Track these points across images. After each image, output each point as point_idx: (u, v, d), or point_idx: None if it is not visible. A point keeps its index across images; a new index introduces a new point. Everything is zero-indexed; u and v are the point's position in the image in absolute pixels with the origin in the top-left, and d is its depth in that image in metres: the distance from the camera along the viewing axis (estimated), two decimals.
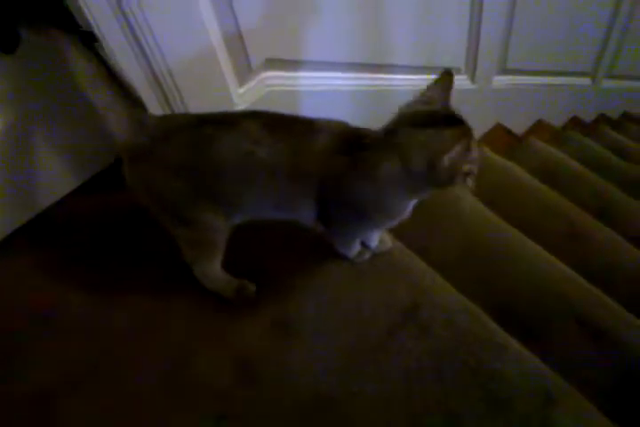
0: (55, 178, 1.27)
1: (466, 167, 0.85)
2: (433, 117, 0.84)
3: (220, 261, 1.13)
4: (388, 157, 0.86)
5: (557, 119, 2.89)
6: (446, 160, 0.80)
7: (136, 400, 1.01)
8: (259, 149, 0.92)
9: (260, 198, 1.00)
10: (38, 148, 1.19)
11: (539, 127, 2.74)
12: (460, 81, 2.05)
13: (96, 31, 0.96)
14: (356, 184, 0.92)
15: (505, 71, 2.24)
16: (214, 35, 1.13)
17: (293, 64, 1.34)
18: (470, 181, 0.88)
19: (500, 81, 2.27)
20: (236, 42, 1.17)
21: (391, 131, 0.88)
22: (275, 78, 1.32)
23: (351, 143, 0.91)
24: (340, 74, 1.46)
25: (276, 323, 1.14)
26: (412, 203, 1.01)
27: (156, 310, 1.14)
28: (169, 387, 1.04)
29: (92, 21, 0.95)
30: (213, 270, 1.13)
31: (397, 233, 1.31)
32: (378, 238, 1.23)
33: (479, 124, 2.28)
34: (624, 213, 2.05)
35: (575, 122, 3.10)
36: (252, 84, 1.27)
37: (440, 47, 1.67)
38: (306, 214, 1.02)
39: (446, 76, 0.87)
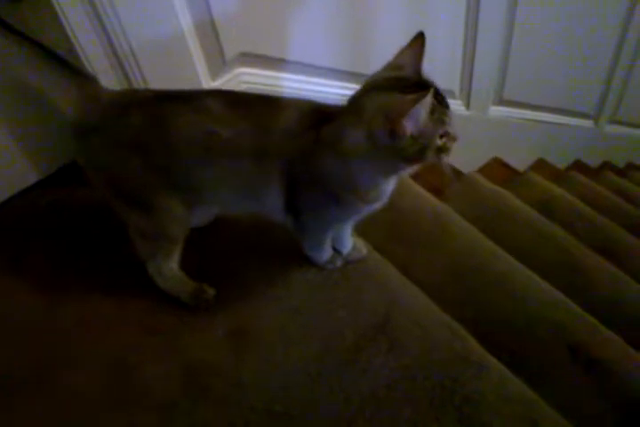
0: (15, 170, 1.23)
1: (438, 141, 0.80)
2: (401, 82, 0.81)
3: (178, 259, 1.08)
4: (350, 124, 0.83)
5: (559, 160, 2.87)
6: (406, 125, 0.76)
7: (73, 405, 0.96)
8: (220, 129, 0.88)
9: (221, 183, 0.96)
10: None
11: (539, 166, 2.72)
12: (454, 106, 2.04)
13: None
14: (322, 159, 0.88)
15: (502, 102, 2.25)
16: (184, 19, 1.12)
17: (273, 63, 1.33)
18: (444, 158, 0.84)
19: (497, 112, 2.27)
20: (209, 30, 1.17)
21: (355, 98, 0.84)
22: (252, 75, 1.31)
23: (318, 118, 0.87)
24: (324, 80, 1.45)
25: (233, 331, 1.08)
26: (388, 186, 0.96)
27: (106, 311, 1.10)
28: (109, 394, 0.98)
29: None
30: (169, 269, 1.08)
31: (376, 247, 1.27)
32: (351, 243, 1.17)
33: (474, 155, 2.27)
34: (627, 252, 1.98)
35: (578, 165, 3.08)
36: (226, 77, 1.26)
37: (431, 65, 1.66)
38: (272, 203, 0.97)
39: (418, 40, 0.84)
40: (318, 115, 0.89)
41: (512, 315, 1.30)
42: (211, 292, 1.11)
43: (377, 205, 0.98)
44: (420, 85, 0.79)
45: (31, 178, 1.26)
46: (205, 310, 1.10)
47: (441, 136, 0.81)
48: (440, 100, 0.81)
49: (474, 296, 1.34)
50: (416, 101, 0.73)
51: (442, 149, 0.83)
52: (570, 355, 1.24)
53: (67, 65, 0.89)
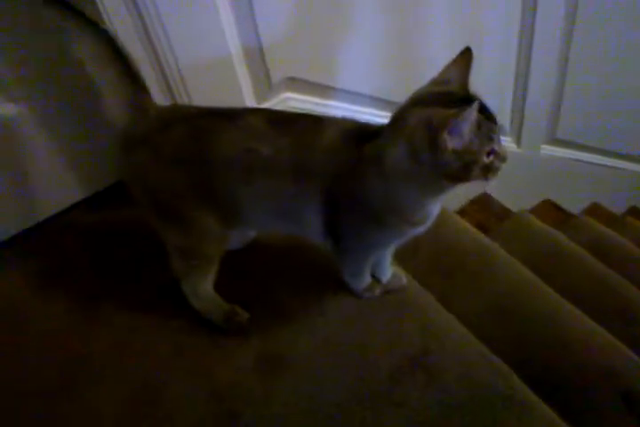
0: (62, 186, 1.28)
1: (485, 159, 0.79)
2: (446, 97, 0.80)
3: (213, 279, 1.08)
4: (392, 141, 0.82)
5: (615, 205, 2.78)
6: (447, 138, 0.75)
7: (96, 421, 0.98)
8: (261, 146, 0.89)
9: (260, 202, 0.96)
10: (44, 154, 1.22)
11: (593, 210, 2.64)
12: (504, 142, 2.02)
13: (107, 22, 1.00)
14: (364, 177, 0.87)
15: (555, 141, 2.22)
16: (233, 41, 1.16)
17: (319, 89, 1.36)
18: (492, 178, 0.82)
19: (550, 151, 2.24)
20: (256, 53, 1.21)
21: (397, 113, 0.84)
22: (297, 101, 1.33)
23: (361, 136, 0.87)
24: (370, 109, 1.47)
25: (264, 357, 1.07)
26: (433, 207, 0.93)
27: (138, 331, 1.12)
28: (133, 413, 0.99)
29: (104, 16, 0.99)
30: (204, 289, 1.09)
31: (415, 279, 1.24)
32: (390, 271, 1.15)
33: (525, 195, 2.22)
34: None
35: (635, 211, 2.97)
36: (272, 101, 1.29)
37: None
38: (312, 224, 0.97)
39: (466, 54, 0.84)
40: (361, 133, 0.89)
41: (559, 357, 1.24)
42: (244, 315, 1.11)
43: (421, 229, 0.96)
44: (466, 100, 0.78)
45: (77, 195, 1.31)
46: (237, 333, 1.09)
47: (488, 154, 0.80)
48: (488, 116, 0.79)
49: (518, 336, 1.28)
50: (459, 115, 0.72)
51: (489, 168, 0.81)
52: (624, 404, 1.16)
53: (131, 69, 0.93)
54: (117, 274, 1.21)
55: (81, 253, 1.25)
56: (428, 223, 0.95)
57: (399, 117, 0.82)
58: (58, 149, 1.22)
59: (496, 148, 0.80)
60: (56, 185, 1.27)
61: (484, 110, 0.78)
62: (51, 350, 1.08)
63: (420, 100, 0.81)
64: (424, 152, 0.78)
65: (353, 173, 0.88)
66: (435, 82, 0.84)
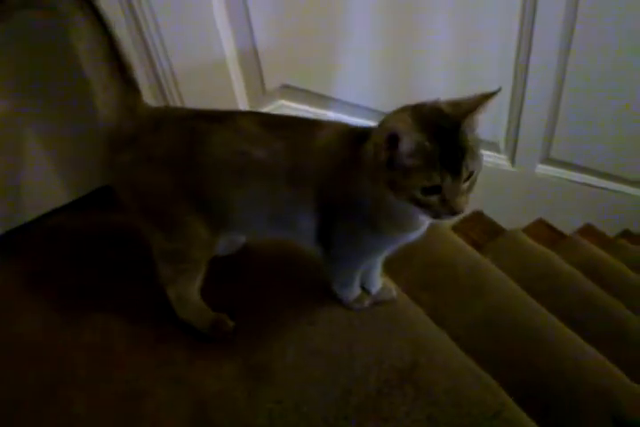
0: (48, 189, 1.26)
1: (418, 193, 0.77)
2: (439, 117, 0.77)
3: (199, 286, 1.07)
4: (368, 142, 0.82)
5: (608, 228, 2.80)
6: (382, 143, 0.75)
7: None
8: (254, 149, 0.89)
9: (252, 206, 0.96)
10: (33, 155, 1.20)
11: (586, 231, 2.65)
12: (499, 160, 2.04)
13: None
14: (357, 181, 0.86)
15: (549, 160, 2.23)
16: (228, 45, 1.16)
17: (315, 98, 1.36)
18: (433, 218, 0.82)
19: (544, 171, 2.25)
20: (252, 59, 1.21)
21: (385, 117, 0.83)
22: (292, 109, 1.33)
23: (354, 139, 0.86)
24: (367, 121, 1.46)
25: (250, 367, 1.06)
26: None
27: (120, 336, 1.10)
28: (114, 422, 0.97)
29: None
30: (190, 295, 1.07)
31: (406, 290, 1.23)
32: (380, 282, 1.14)
33: (518, 214, 2.23)
34: None
35: (628, 235, 2.99)
36: (266, 108, 1.28)
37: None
38: (304, 229, 0.96)
39: (487, 95, 0.77)
40: (356, 135, 0.88)
41: (550, 375, 1.23)
42: (230, 324, 1.09)
43: (413, 236, 0.95)
44: (449, 130, 0.75)
45: (63, 198, 1.29)
46: (222, 341, 1.08)
47: (427, 192, 0.77)
48: (451, 164, 0.75)
49: (509, 353, 1.28)
50: (403, 125, 0.73)
51: (427, 208, 0.79)
52: (614, 425, 1.15)
53: (126, 69, 0.92)
54: (101, 278, 1.19)
55: (65, 256, 1.23)
56: (421, 231, 0.95)
57: (383, 119, 0.82)
58: (45, 150, 1.20)
59: (447, 196, 0.77)
60: (42, 187, 1.25)
61: (450, 158, 0.75)
62: (31, 355, 1.06)
63: (414, 108, 0.80)
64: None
65: (347, 175, 0.87)
66: (446, 101, 0.81)
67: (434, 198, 0.78)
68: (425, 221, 0.92)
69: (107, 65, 0.91)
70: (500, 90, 0.77)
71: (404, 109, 0.80)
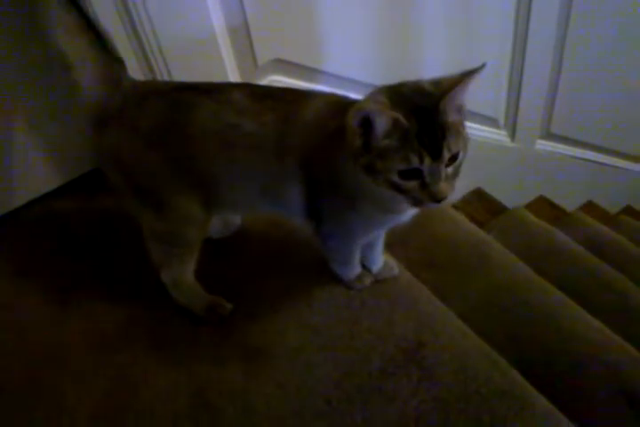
0: (35, 174, 1.23)
1: (396, 177, 0.73)
2: (420, 95, 0.73)
3: (193, 268, 1.03)
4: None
5: (610, 204, 2.76)
6: (354, 122, 0.71)
7: (72, 417, 0.93)
8: (243, 121, 0.85)
9: (242, 181, 0.92)
10: (21, 139, 1.16)
11: (588, 208, 2.61)
12: (499, 136, 1.99)
13: None
14: (338, 156, 0.81)
15: (549, 136, 2.19)
16: (217, 19, 1.12)
17: (308, 73, 1.32)
18: (411, 207, 0.79)
19: (544, 146, 2.21)
20: (242, 32, 1.16)
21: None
22: (285, 85, 1.29)
23: (342, 111, 0.79)
24: (361, 96, 1.42)
25: (248, 350, 1.04)
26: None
27: (116, 322, 1.07)
28: (111, 409, 0.94)
29: None
30: (184, 278, 1.04)
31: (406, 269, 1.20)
32: (382, 260, 1.10)
33: (519, 191, 2.19)
34: None
35: (630, 212, 2.95)
36: (258, 83, 1.23)
37: (475, 90, 1.64)
38: (294, 204, 0.93)
39: (469, 72, 0.72)
40: (345, 107, 0.81)
41: (558, 352, 1.20)
42: (227, 306, 1.06)
43: (404, 218, 0.91)
44: (428, 109, 0.71)
45: (52, 183, 1.26)
46: (219, 325, 1.04)
47: (408, 177, 0.73)
48: (429, 143, 0.71)
49: (515, 330, 1.25)
50: (375, 105, 0.69)
51: (406, 192, 0.75)
52: (625, 400, 1.12)
53: (103, 39, 0.88)
54: (93, 263, 1.16)
55: (56, 240, 1.21)
56: (409, 213, 0.90)
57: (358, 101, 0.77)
58: (32, 134, 1.17)
59: (427, 180, 0.73)
60: (31, 172, 1.22)
61: (430, 138, 0.71)
62: (23, 342, 1.03)
63: (391, 88, 0.75)
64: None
65: (330, 149, 0.83)
66: (432, 80, 0.75)
67: (413, 183, 0.74)
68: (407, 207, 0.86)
69: (82, 35, 0.86)
70: (483, 67, 0.72)
71: (380, 90, 0.75)
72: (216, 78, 1.15)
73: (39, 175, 1.23)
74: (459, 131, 0.73)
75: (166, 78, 1.11)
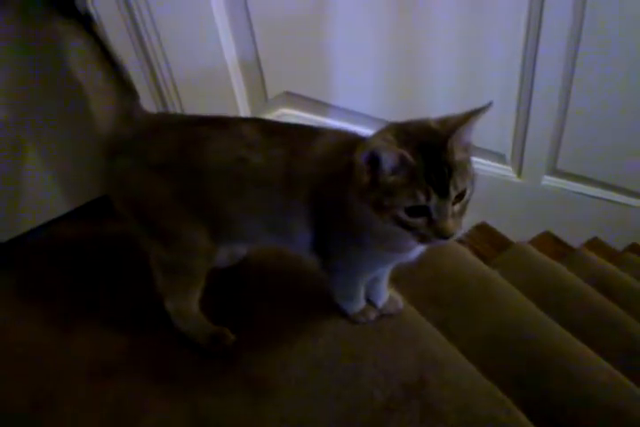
0: (43, 200, 1.25)
1: (404, 214, 0.74)
2: (425, 133, 0.74)
3: (198, 298, 1.03)
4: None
5: (616, 241, 2.75)
6: (362, 159, 0.72)
7: None
8: (252, 155, 0.86)
9: (249, 215, 0.92)
10: (32, 164, 1.18)
11: (593, 245, 2.60)
12: (505, 171, 2.01)
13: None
14: (346, 193, 0.81)
15: (556, 172, 2.21)
16: (229, 53, 1.15)
17: (317, 106, 1.34)
18: (420, 243, 0.78)
19: (550, 182, 2.22)
20: (254, 66, 1.19)
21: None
22: (295, 117, 1.31)
23: (351, 149, 0.80)
24: (370, 130, 1.44)
25: (251, 381, 1.03)
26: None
27: (118, 350, 1.07)
28: None
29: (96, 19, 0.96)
30: (188, 307, 1.04)
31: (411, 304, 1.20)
32: (386, 295, 1.10)
33: (524, 226, 2.19)
34: None
35: (635, 249, 2.94)
36: (268, 117, 1.26)
37: (483, 126, 1.66)
38: (301, 239, 0.93)
39: (476, 110, 0.74)
40: (353, 143, 0.82)
41: (564, 392, 1.18)
42: (231, 337, 1.06)
43: (410, 256, 0.91)
44: (435, 147, 0.72)
45: (60, 209, 1.27)
46: (222, 356, 1.04)
47: (415, 214, 0.73)
48: (436, 181, 0.71)
49: (519, 369, 1.23)
50: (382, 142, 0.71)
51: (413, 230, 0.75)
52: None
53: (119, 71, 0.90)
54: (99, 289, 1.16)
55: (63, 265, 1.21)
56: (416, 252, 0.90)
57: (366, 139, 0.79)
58: (43, 160, 1.19)
59: (434, 217, 0.74)
60: (41, 197, 1.23)
61: (437, 176, 0.72)
62: (24, 367, 1.03)
63: (399, 125, 0.76)
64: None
65: (338, 186, 0.83)
66: (438, 119, 0.76)
67: (420, 220, 0.74)
68: (413, 243, 0.85)
69: (98, 65, 0.89)
70: (490, 105, 0.73)
71: (388, 128, 0.77)
72: (227, 111, 1.18)
73: (47, 201, 1.24)
74: (465, 169, 0.74)
75: (178, 110, 1.13)
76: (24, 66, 1.05)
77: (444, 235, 0.74)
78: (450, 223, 0.74)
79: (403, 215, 0.74)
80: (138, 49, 1.06)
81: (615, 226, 2.76)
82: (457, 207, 0.75)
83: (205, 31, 1.11)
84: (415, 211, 0.73)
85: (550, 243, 2.33)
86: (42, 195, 1.23)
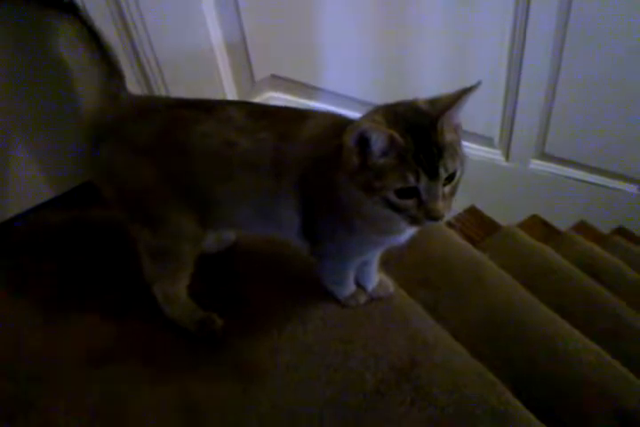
0: (27, 186, 1.22)
1: (393, 195, 0.73)
2: (412, 112, 0.74)
3: (187, 283, 1.03)
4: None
5: (603, 224, 2.77)
6: (351, 140, 0.72)
7: None
8: (240, 139, 0.85)
9: (237, 199, 0.91)
10: (16, 150, 1.16)
11: (580, 228, 2.62)
12: (493, 155, 2.01)
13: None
14: (334, 176, 0.81)
15: (544, 156, 2.21)
16: (215, 34, 1.13)
17: (304, 89, 1.33)
18: (411, 225, 0.78)
19: (538, 166, 2.23)
20: (240, 48, 1.17)
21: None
22: (281, 101, 1.30)
23: (340, 131, 0.79)
24: (357, 113, 1.43)
25: (240, 367, 1.03)
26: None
27: (106, 337, 1.06)
28: (99, 423, 0.93)
29: None
30: (177, 293, 1.04)
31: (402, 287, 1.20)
32: (376, 278, 1.10)
33: (512, 210, 2.20)
34: None
35: (622, 233, 2.96)
36: (255, 100, 1.24)
37: (471, 109, 1.65)
38: (290, 224, 0.92)
39: (465, 90, 0.73)
40: (342, 127, 0.80)
41: (552, 373, 1.19)
42: (219, 322, 1.05)
43: (400, 239, 0.91)
44: (425, 128, 0.72)
45: (46, 194, 1.25)
46: (211, 342, 1.03)
47: (405, 196, 0.73)
48: (425, 162, 0.71)
49: (508, 350, 1.24)
50: (372, 123, 0.70)
51: (400, 210, 0.75)
52: (619, 423, 1.11)
53: (105, 51, 0.88)
54: (85, 276, 1.15)
55: (49, 252, 1.20)
56: (406, 234, 0.90)
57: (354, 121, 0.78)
58: (27, 145, 1.16)
59: (424, 199, 0.73)
60: (25, 183, 1.21)
61: (427, 158, 0.71)
62: (11, 356, 1.02)
63: (387, 107, 0.76)
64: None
65: (326, 169, 0.83)
66: (427, 99, 0.76)
67: (410, 202, 0.74)
68: (405, 228, 0.86)
69: (84, 46, 0.87)
70: (479, 84, 0.73)
71: (377, 109, 0.76)
72: (213, 93, 1.17)
73: (32, 187, 1.22)
74: (455, 150, 0.74)
75: (163, 93, 1.11)
76: (6, 51, 1.02)
77: (434, 216, 0.74)
78: (440, 205, 0.73)
79: (392, 197, 0.73)
80: (122, 31, 1.04)
81: (602, 209, 2.78)
82: (447, 189, 0.75)
83: (191, 13, 1.09)
84: (405, 192, 0.73)
85: (538, 226, 2.34)
86: (26, 181, 1.21)
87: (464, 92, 0.72)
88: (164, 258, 0.98)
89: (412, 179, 0.71)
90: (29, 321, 1.07)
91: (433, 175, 0.71)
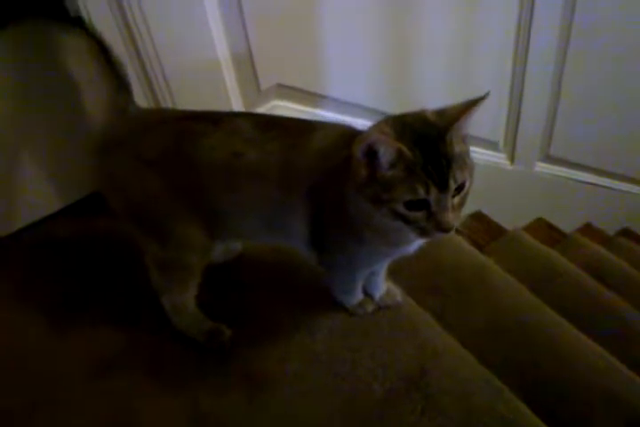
0: (35, 198, 1.24)
1: (402, 208, 0.73)
2: (419, 123, 0.74)
3: (194, 294, 1.03)
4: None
5: (608, 226, 2.77)
6: (359, 151, 0.71)
7: None
8: (248, 150, 0.85)
9: (245, 210, 0.92)
10: (24, 161, 1.17)
11: (586, 230, 2.61)
12: (498, 159, 2.01)
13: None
14: (343, 188, 0.81)
15: (548, 159, 2.21)
16: (221, 46, 1.14)
17: (310, 98, 1.33)
18: (419, 237, 0.78)
19: (543, 169, 2.22)
20: (245, 58, 1.18)
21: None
22: (287, 109, 1.30)
23: (348, 143, 0.79)
24: (363, 121, 1.43)
25: (247, 378, 1.03)
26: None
27: (115, 348, 1.06)
28: None
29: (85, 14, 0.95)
30: (185, 304, 1.04)
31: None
32: (384, 287, 1.10)
33: (517, 213, 2.20)
34: None
35: (627, 234, 2.96)
36: (260, 109, 1.25)
37: (476, 115, 1.66)
38: (298, 234, 0.92)
39: (473, 102, 0.73)
40: (350, 138, 0.80)
41: (558, 377, 1.19)
42: (227, 333, 1.05)
43: (410, 250, 0.91)
44: (433, 139, 0.71)
45: (53, 206, 1.26)
46: (220, 352, 1.04)
47: (414, 208, 0.73)
48: (435, 174, 0.71)
49: (517, 356, 1.23)
50: (379, 135, 0.70)
51: (410, 222, 0.74)
52: None
53: (113, 65, 0.89)
54: (93, 286, 1.16)
55: (56, 262, 1.20)
56: (415, 245, 0.90)
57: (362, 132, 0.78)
58: (36, 157, 1.18)
59: (434, 210, 0.73)
60: (34, 194, 1.23)
61: (436, 169, 0.71)
62: (20, 368, 1.02)
63: (395, 118, 0.76)
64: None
65: (335, 181, 0.83)
66: (435, 110, 0.76)
67: (420, 214, 0.74)
68: (414, 239, 0.85)
69: (93, 59, 0.87)
70: (487, 95, 0.73)
71: (385, 121, 0.76)
72: (219, 103, 1.17)
73: (40, 198, 1.23)
74: (464, 161, 0.74)
75: (169, 104, 1.12)
76: (16, 65, 1.03)
77: (444, 228, 0.74)
78: (450, 216, 0.73)
79: (401, 209, 0.73)
80: (128, 43, 1.04)
81: (607, 211, 2.77)
82: (456, 199, 0.75)
83: (197, 24, 1.10)
84: (414, 205, 0.73)
85: (544, 229, 2.34)
86: (34, 192, 1.22)
87: (472, 104, 0.72)
88: (171, 269, 0.99)
89: (421, 191, 0.71)
90: (36, 331, 1.07)
91: (443, 187, 0.71)
